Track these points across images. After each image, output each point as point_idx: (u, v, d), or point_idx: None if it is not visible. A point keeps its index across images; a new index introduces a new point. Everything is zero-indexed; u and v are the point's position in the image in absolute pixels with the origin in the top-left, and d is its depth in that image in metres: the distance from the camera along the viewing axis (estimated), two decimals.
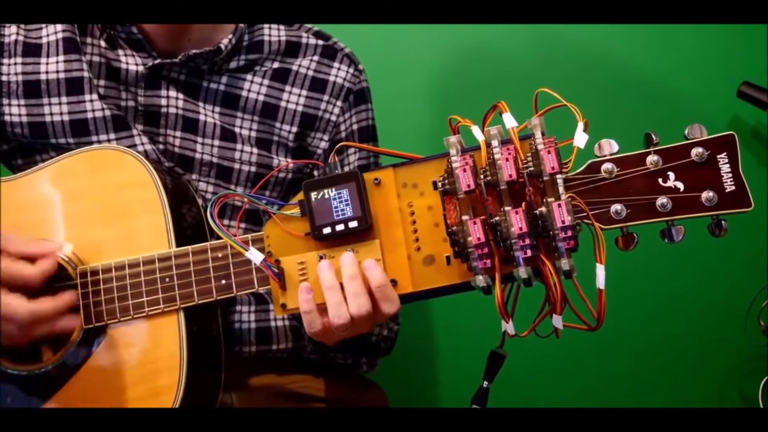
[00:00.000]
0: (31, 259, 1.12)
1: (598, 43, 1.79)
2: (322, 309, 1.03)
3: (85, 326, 1.14)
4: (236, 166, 1.30)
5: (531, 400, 1.77)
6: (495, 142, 0.96)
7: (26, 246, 1.13)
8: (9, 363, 1.17)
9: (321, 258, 1.04)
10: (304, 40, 1.35)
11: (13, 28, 1.28)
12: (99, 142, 1.25)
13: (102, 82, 1.27)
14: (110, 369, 1.13)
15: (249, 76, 1.32)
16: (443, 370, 1.82)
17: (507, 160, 0.94)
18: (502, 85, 1.76)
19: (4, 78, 1.26)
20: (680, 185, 0.97)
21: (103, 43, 1.28)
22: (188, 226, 1.18)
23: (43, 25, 1.28)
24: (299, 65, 1.34)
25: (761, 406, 1.66)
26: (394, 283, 1.03)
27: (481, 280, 0.95)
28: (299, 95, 1.33)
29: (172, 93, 1.29)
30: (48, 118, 1.25)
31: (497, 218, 0.94)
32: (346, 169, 1.06)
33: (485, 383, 1.06)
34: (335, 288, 1.02)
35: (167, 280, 1.12)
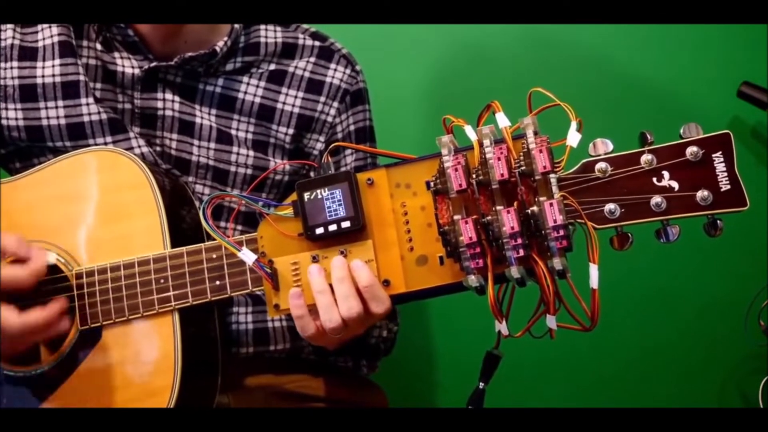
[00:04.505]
0: (21, 261, 1.12)
1: (597, 44, 1.79)
2: (314, 312, 1.03)
3: (80, 327, 1.15)
4: (232, 168, 1.30)
5: (530, 401, 1.77)
6: (487, 142, 0.96)
7: (16, 248, 1.12)
8: (6, 364, 1.17)
9: (314, 258, 1.04)
10: (300, 42, 1.36)
11: (9, 32, 1.28)
12: (96, 145, 1.25)
13: (98, 85, 1.28)
14: (106, 370, 1.13)
15: (245, 78, 1.32)
16: (442, 370, 1.82)
17: (499, 159, 0.94)
18: (498, 86, 1.76)
19: (1, 82, 1.27)
20: (675, 184, 0.97)
21: (99, 46, 1.29)
22: (187, 227, 1.19)
23: (39, 29, 1.29)
24: (296, 67, 1.34)
25: (761, 406, 1.65)
26: (387, 283, 1.03)
27: (473, 279, 0.95)
28: (296, 97, 1.33)
29: (168, 96, 1.29)
30: (45, 122, 1.26)
31: (489, 218, 0.94)
32: (343, 169, 1.05)
33: (481, 384, 1.06)
34: (325, 291, 1.02)
35: (162, 281, 1.13)
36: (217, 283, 1.11)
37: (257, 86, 1.32)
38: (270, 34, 1.34)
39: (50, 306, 1.11)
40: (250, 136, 1.32)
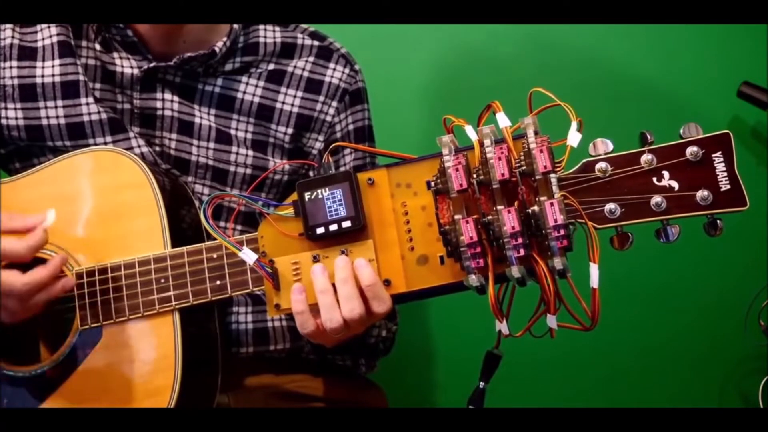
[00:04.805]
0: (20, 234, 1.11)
1: (597, 44, 1.79)
2: (315, 310, 1.03)
3: (81, 327, 1.15)
4: (232, 168, 1.30)
5: (530, 401, 1.77)
6: (488, 142, 0.96)
7: (10, 222, 1.11)
8: (7, 364, 1.18)
9: (315, 258, 1.04)
10: (299, 41, 1.36)
11: (8, 32, 1.28)
12: (96, 144, 1.25)
13: (98, 85, 1.28)
14: (106, 370, 1.14)
15: (244, 78, 1.32)
16: (442, 370, 1.82)
17: (499, 159, 0.94)
18: (498, 86, 1.76)
19: (0, 82, 1.27)
20: (675, 184, 0.97)
21: (98, 46, 1.29)
22: (187, 227, 1.19)
23: (38, 29, 1.29)
24: (294, 66, 1.34)
25: (761, 406, 1.65)
26: (387, 283, 1.03)
27: (473, 279, 0.95)
28: (295, 96, 1.33)
29: (168, 96, 1.29)
30: (44, 122, 1.26)
31: (490, 217, 0.94)
32: (342, 169, 1.05)
33: (481, 384, 1.06)
34: (328, 291, 1.02)
35: (162, 281, 1.13)
36: (218, 282, 1.11)
37: (256, 86, 1.32)
38: (269, 34, 1.34)
39: (51, 261, 1.10)
40: (249, 135, 1.32)
